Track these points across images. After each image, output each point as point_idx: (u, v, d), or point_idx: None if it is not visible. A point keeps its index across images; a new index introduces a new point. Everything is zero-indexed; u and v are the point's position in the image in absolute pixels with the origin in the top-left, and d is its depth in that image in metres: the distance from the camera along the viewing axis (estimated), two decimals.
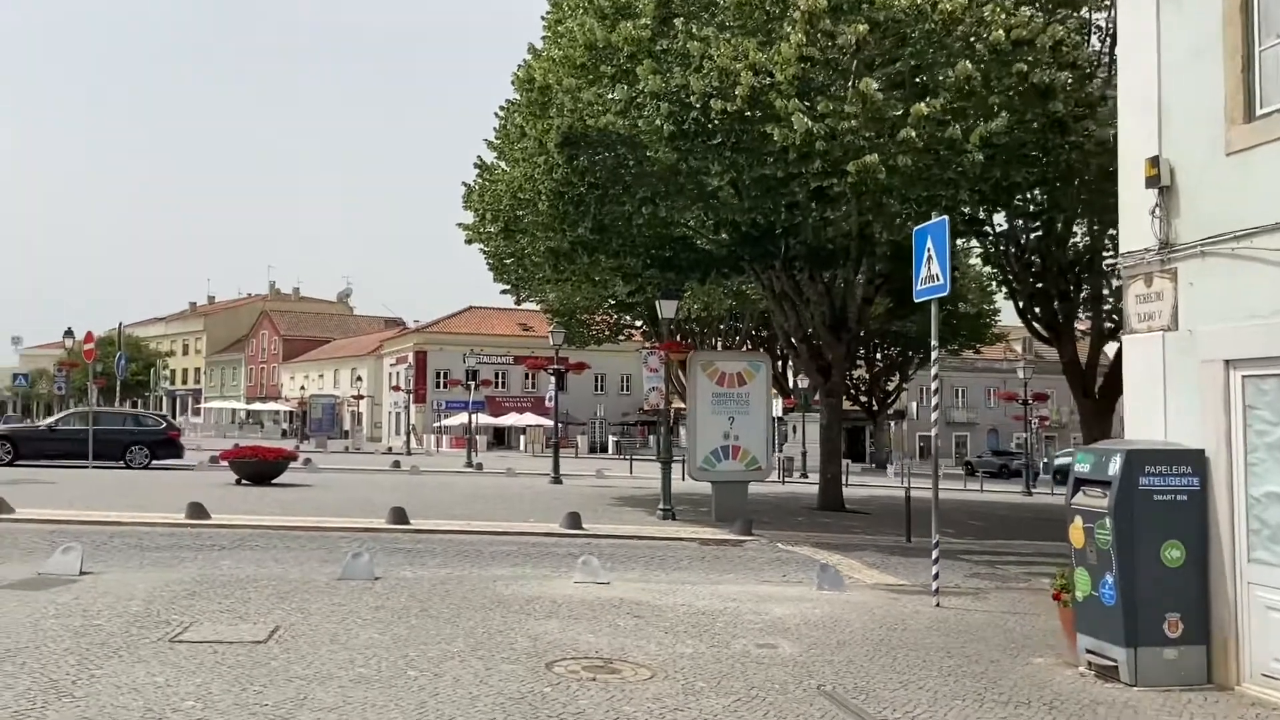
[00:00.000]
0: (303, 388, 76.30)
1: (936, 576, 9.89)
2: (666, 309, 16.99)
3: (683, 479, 19.03)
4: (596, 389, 69.72)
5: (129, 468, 25.21)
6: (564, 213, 16.31)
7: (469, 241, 20.05)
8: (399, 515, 14.94)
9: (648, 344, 57.81)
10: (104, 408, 43.33)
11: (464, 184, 20.02)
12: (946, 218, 9.84)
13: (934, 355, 9.94)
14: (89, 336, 26.97)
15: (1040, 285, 19.46)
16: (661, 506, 17.11)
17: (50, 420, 28.82)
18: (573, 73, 15.34)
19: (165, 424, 28.67)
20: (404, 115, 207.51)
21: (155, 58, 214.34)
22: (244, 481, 20.75)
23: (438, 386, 64.99)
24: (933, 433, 10.00)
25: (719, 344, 49.44)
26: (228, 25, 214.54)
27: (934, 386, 9.92)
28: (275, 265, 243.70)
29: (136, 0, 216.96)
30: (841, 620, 8.86)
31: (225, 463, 22.15)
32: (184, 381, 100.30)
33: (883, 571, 12.37)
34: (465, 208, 19.80)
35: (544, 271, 18.96)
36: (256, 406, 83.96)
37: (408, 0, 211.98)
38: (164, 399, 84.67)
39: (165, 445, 27.00)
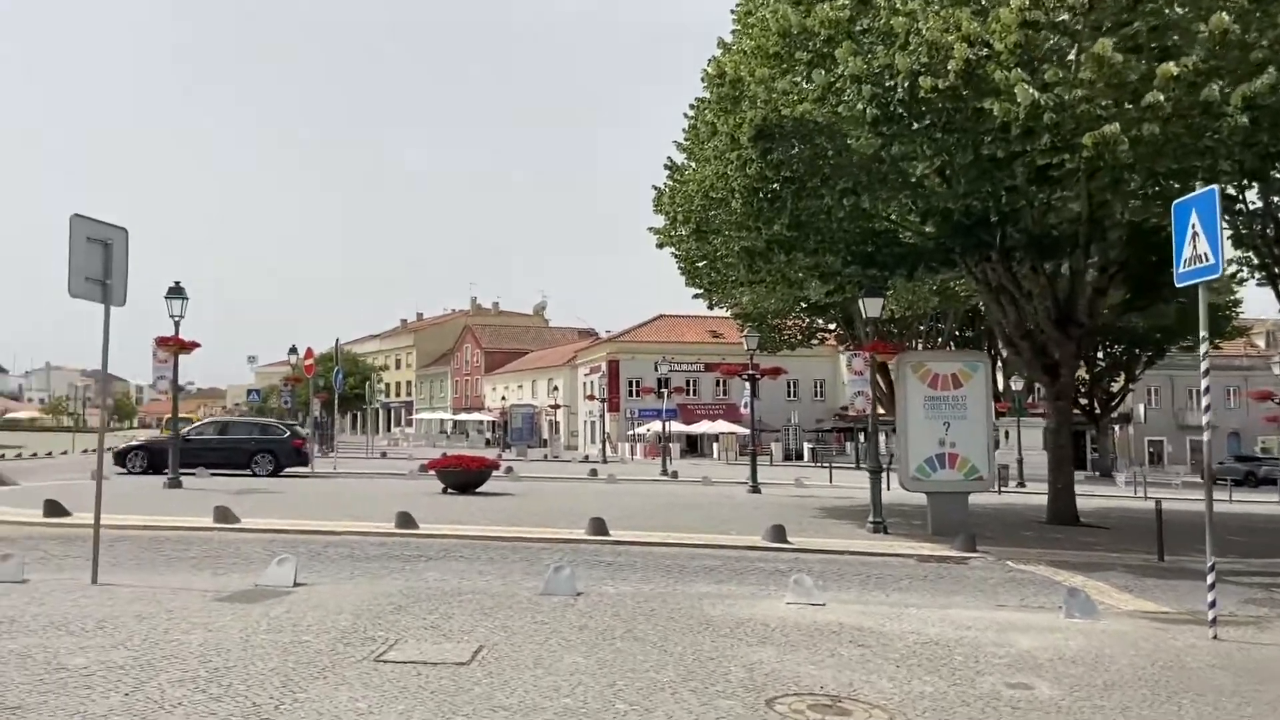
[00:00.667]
0: (503, 398, 78.95)
1: (1213, 604, 8.47)
2: (870, 308, 15.93)
3: (887, 488, 17.85)
4: (790, 395, 68.42)
5: (255, 475, 25.93)
6: (758, 210, 15.58)
7: (660, 245, 19.65)
8: (598, 526, 14.63)
9: (845, 346, 56.19)
10: (235, 417, 46.08)
11: (654, 187, 19.67)
12: (1215, 187, 8.44)
13: (1203, 349, 8.55)
14: (308, 353, 28.58)
15: None
16: (872, 519, 16.03)
17: (185, 430, 29.89)
18: (765, 63, 14.62)
19: (290, 432, 29.02)
20: (594, 131, 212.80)
21: (352, 96, 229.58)
22: (450, 490, 21.17)
23: (630, 395, 65.52)
24: (1205, 437, 8.60)
25: (919, 346, 47.24)
26: (412, 53, 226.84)
27: (1204, 385, 8.50)
28: (476, 282, 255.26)
29: (339, 40, 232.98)
30: (1104, 655, 7.66)
31: (432, 472, 22.73)
32: (397, 394, 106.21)
33: (1138, 596, 10.89)
34: (656, 211, 19.43)
35: (737, 273, 18.28)
36: (462, 417, 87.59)
37: (592, 5, 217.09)
38: (379, 411, 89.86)
39: (291, 453, 27.52)
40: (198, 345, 20.53)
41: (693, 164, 17.87)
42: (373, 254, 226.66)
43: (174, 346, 19.91)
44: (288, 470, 26.94)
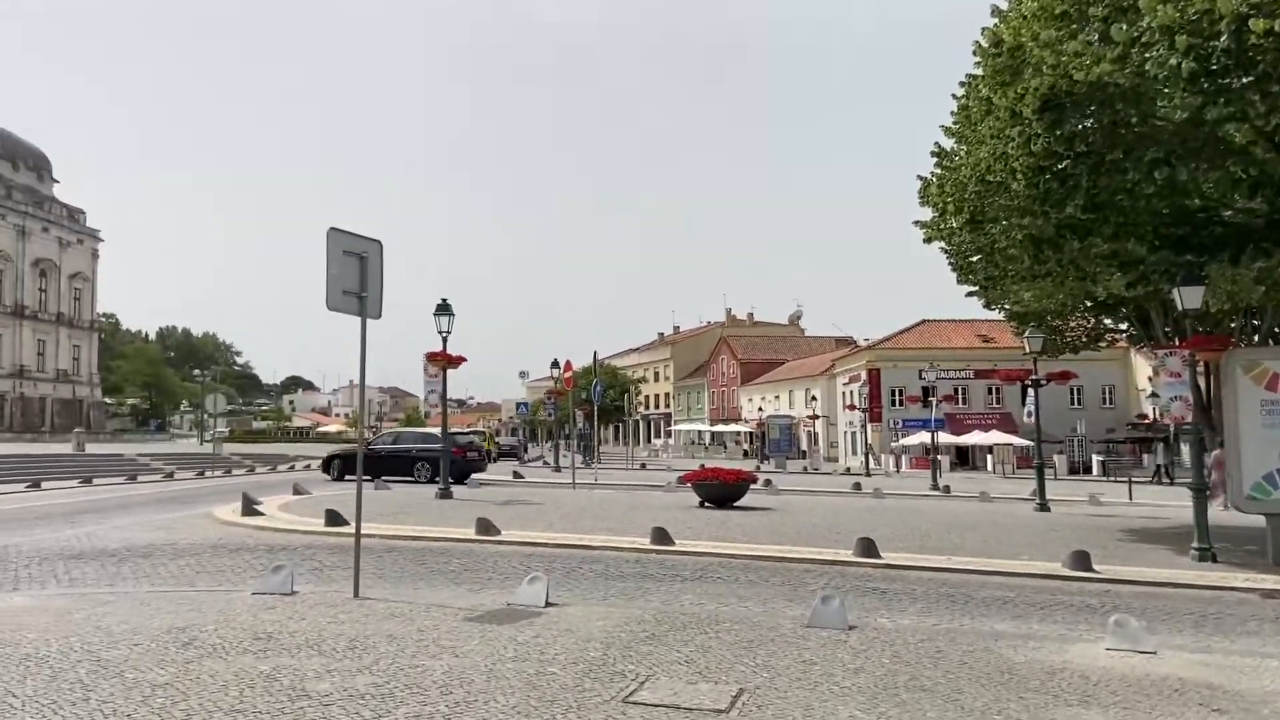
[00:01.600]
0: (760, 409, 78.12)
1: None
2: (1189, 298, 13.56)
3: (1224, 508, 15.23)
4: (1073, 402, 62.78)
5: (416, 483, 26.61)
6: (1045, 191, 13.70)
7: (928, 240, 17.99)
8: (867, 546, 13.36)
9: (1139, 347, 50.56)
10: (406, 429, 47.67)
11: (919, 178, 18.07)
12: None
13: None
14: (567, 365, 29.06)
15: None
16: (1196, 545, 13.65)
17: (370, 441, 30.93)
18: (1051, 24, 12.82)
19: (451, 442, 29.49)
20: (843, 133, 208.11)
21: (604, 120, 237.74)
22: (706, 504, 20.53)
23: (893, 404, 62.59)
24: None
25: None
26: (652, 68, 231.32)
27: None
28: (730, 293, 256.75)
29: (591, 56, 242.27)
30: None
31: (688, 484, 22.19)
32: (655, 406, 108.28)
33: None
34: (922, 203, 17.81)
35: (1019, 265, 16.30)
36: (719, 428, 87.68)
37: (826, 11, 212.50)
38: (638, 422, 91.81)
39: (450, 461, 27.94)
40: (464, 360, 21.20)
41: (964, 148, 16.15)
42: (631, 268, 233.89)
43: (442, 361, 20.65)
44: (525, 478, 27.45)
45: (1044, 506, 22.32)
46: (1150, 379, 63.94)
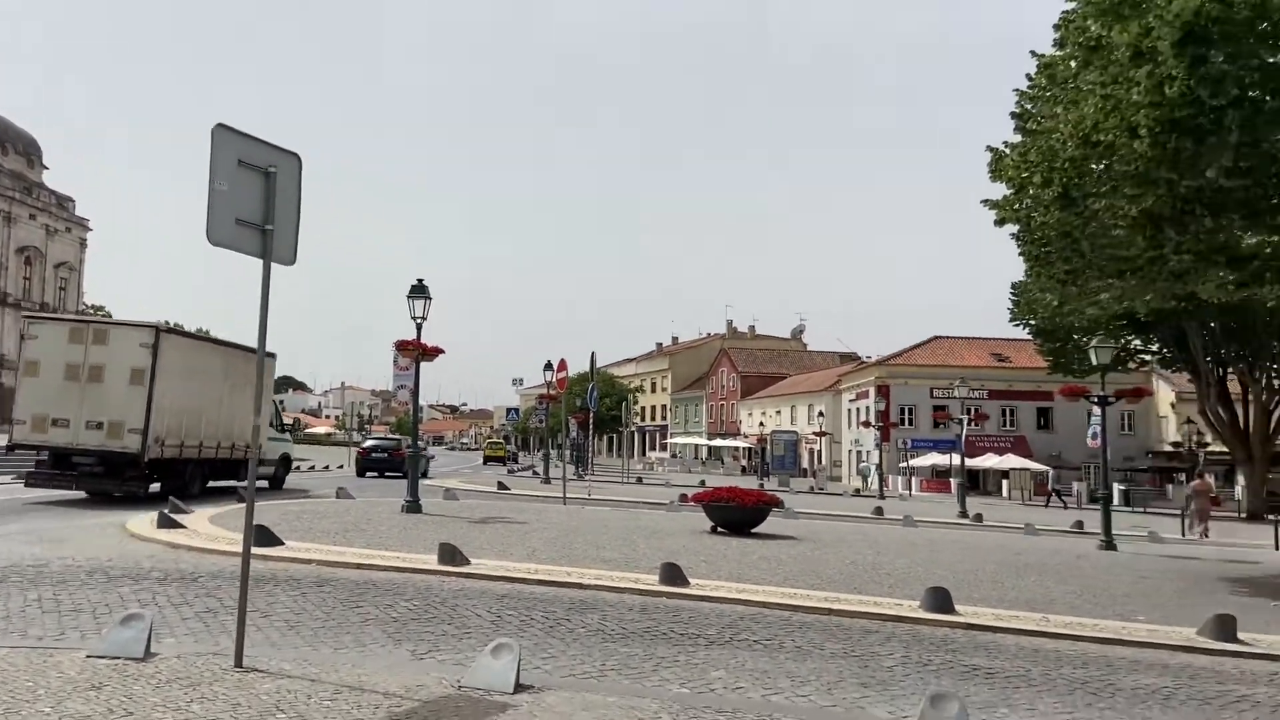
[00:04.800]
0: (761, 424, 75.08)
1: None
2: None
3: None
4: (1090, 427, 59.74)
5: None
6: (1176, 150, 10.77)
7: (1000, 222, 15.05)
8: (940, 599, 10.33)
9: (1174, 370, 47.52)
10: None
11: (989, 149, 15.13)
12: None
13: None
14: (562, 364, 26.00)
15: None
16: None
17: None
18: None
19: (397, 445, 33.61)
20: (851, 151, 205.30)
21: (613, 119, 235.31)
22: (719, 530, 17.47)
23: (905, 423, 59.63)
24: None
25: None
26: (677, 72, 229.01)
27: None
28: (732, 305, 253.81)
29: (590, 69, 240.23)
30: None
31: (697, 504, 19.14)
32: (652, 418, 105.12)
33: None
34: (994, 179, 14.87)
35: (1125, 251, 13.30)
36: (718, 442, 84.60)
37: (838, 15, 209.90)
38: (634, 434, 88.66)
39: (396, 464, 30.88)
40: (441, 351, 18.15)
41: (1057, 109, 13.16)
42: (630, 280, 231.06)
43: (414, 351, 17.58)
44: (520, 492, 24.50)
45: (1110, 544, 19.28)
46: (1172, 405, 61.27)
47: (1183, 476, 57.56)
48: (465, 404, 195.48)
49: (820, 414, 66.46)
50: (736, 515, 17.40)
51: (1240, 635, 9.59)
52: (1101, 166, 11.95)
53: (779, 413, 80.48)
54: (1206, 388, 41.23)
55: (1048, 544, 20.72)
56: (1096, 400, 19.68)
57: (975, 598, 11.42)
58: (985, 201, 15.41)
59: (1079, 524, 26.56)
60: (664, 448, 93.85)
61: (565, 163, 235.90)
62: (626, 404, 60.47)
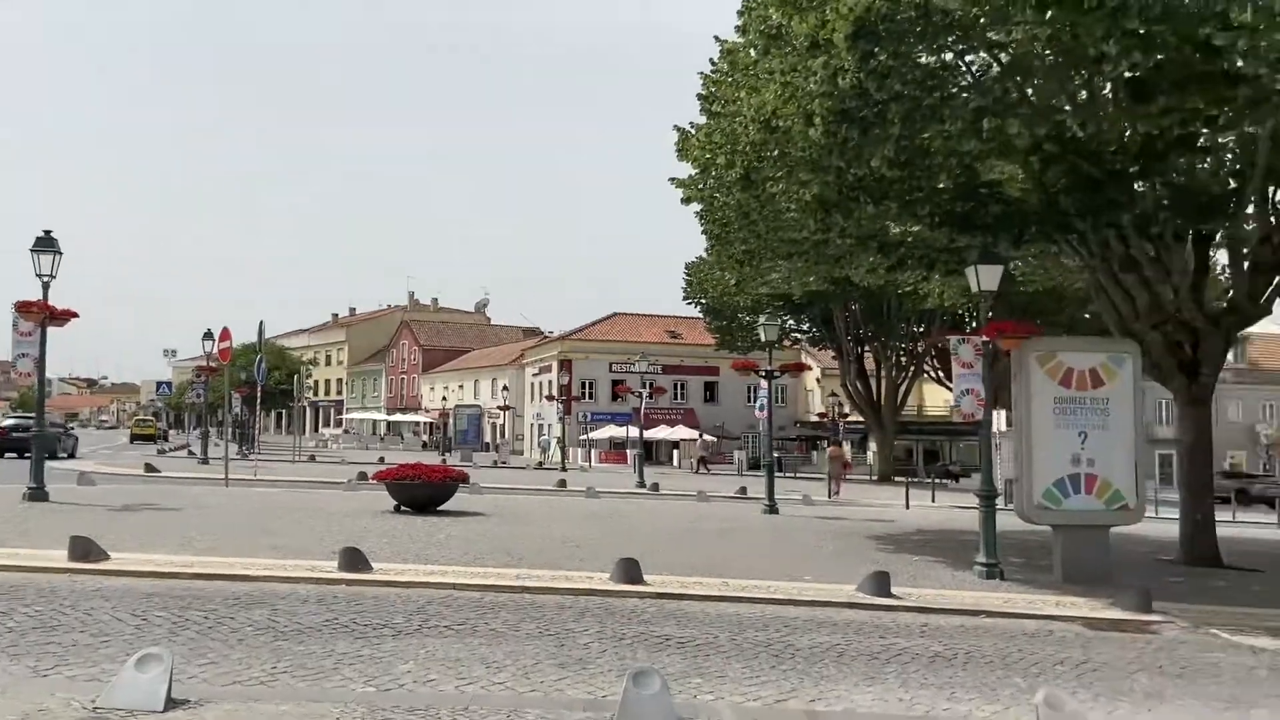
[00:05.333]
0: (443, 398, 73.87)
1: None
2: (986, 278, 11.92)
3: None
4: (749, 400, 64.69)
5: None
6: (843, 140, 11.50)
7: (686, 201, 15.51)
8: (630, 570, 10.39)
9: (819, 348, 52.42)
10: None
11: (676, 128, 15.51)
12: None
13: None
14: (225, 334, 23.67)
15: None
16: (984, 560, 12.03)
17: None
18: None
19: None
20: (534, 115, 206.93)
21: (285, 73, 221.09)
22: (404, 509, 16.68)
23: (584, 397, 61.15)
24: None
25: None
26: (332, 30, 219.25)
27: None
28: (414, 276, 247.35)
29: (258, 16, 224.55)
30: None
31: (379, 483, 18.16)
32: (326, 392, 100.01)
33: None
34: (681, 158, 15.28)
35: (796, 234, 14.14)
36: (397, 418, 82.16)
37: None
38: (306, 409, 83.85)
39: None
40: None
41: (741, 93, 13.67)
42: (304, 244, 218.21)
43: (39, 314, 15.06)
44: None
45: (773, 508, 20.72)
46: (818, 380, 67.86)
47: (825, 444, 64.12)
48: (105, 377, 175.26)
49: (504, 388, 66.40)
50: (422, 493, 16.69)
51: (893, 590, 10.47)
52: (779, 151, 12.58)
53: (462, 387, 79.61)
54: (848, 364, 45.90)
55: (719, 510, 21.92)
56: (764, 374, 21.06)
57: (661, 566, 11.63)
58: (672, 180, 15.82)
59: (743, 490, 28.47)
60: (339, 424, 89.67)
61: (230, 107, 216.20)
62: (298, 377, 56.95)
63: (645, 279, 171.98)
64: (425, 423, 77.27)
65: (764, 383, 21.67)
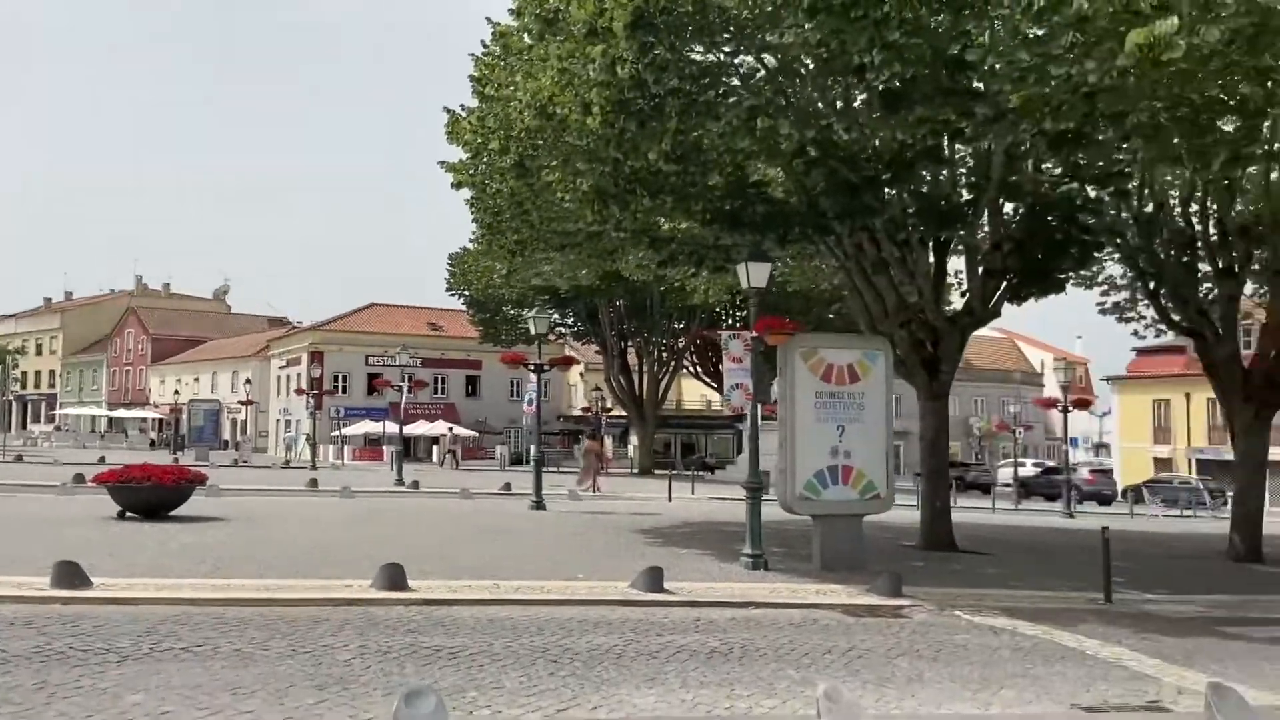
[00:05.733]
0: (176, 392, 68.18)
1: None
2: (755, 275, 12.19)
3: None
4: (513, 394, 64.24)
5: None
6: (621, 132, 11.38)
7: (457, 185, 14.84)
8: (393, 576, 9.76)
9: (584, 343, 52.74)
10: None
11: (446, 110, 14.82)
12: None
13: None
14: None
15: (1187, 259, 15.63)
16: (750, 551, 12.31)
17: None
18: None
19: None
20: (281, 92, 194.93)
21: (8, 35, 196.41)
22: (130, 515, 14.97)
23: (338, 391, 58.43)
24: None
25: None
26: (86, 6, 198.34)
27: None
28: (143, 259, 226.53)
29: None
30: None
31: (100, 485, 16.18)
32: (36, 385, 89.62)
33: (1191, 667, 7.92)
34: (451, 141, 14.59)
35: (575, 224, 13.85)
36: (121, 413, 74.94)
37: None
38: (12, 404, 74.68)
39: None
40: None
41: (516, 77, 13.21)
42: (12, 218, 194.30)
43: None
44: None
45: (540, 504, 20.42)
46: (581, 374, 68.45)
47: (583, 438, 64.78)
48: None
49: (247, 381, 62.07)
50: (151, 496, 15.02)
51: (666, 585, 10.43)
52: (555, 139, 12.28)
53: (198, 380, 73.81)
54: (611, 359, 46.52)
55: (484, 507, 21.37)
56: (533, 368, 20.72)
57: (427, 570, 11.04)
58: (442, 164, 15.13)
59: (507, 485, 27.99)
60: (51, 419, 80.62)
61: None
62: (3, 368, 50.56)
63: (406, 269, 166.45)
64: (154, 419, 70.96)
65: (532, 376, 21.33)
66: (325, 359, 59.11)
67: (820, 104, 12.17)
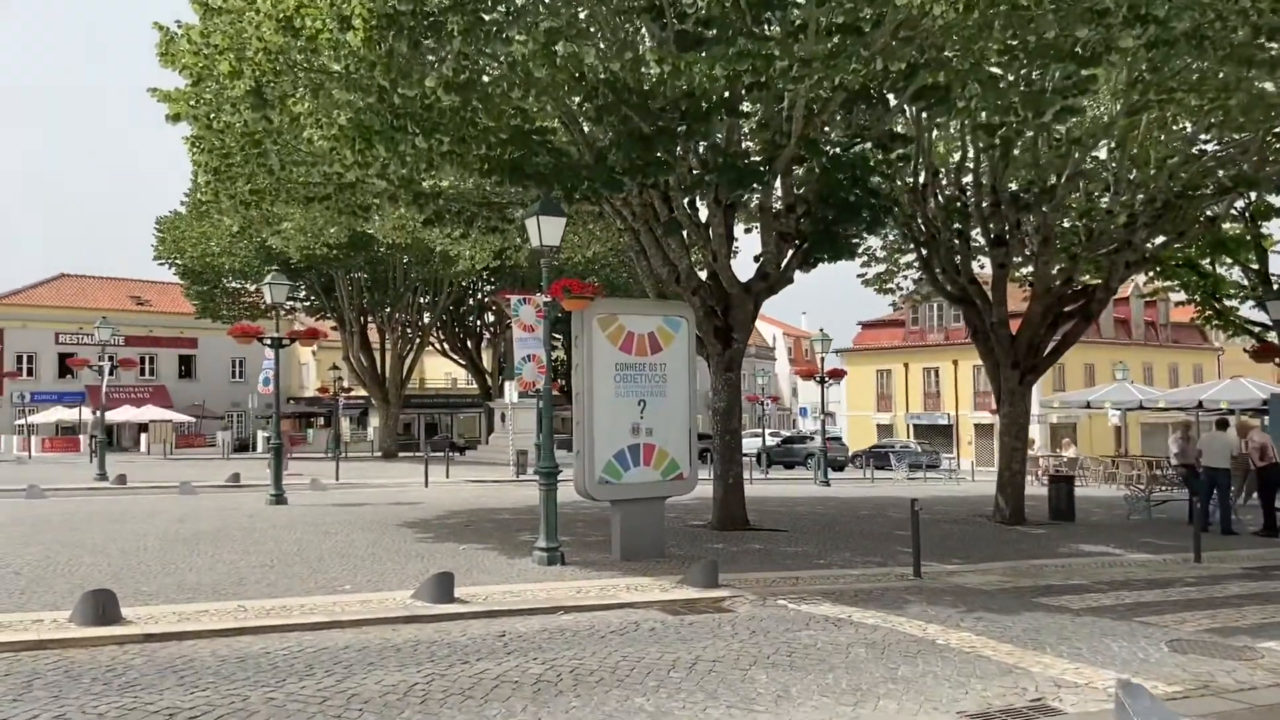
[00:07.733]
0: None
1: None
2: (548, 231, 10.65)
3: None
4: (235, 375, 58.79)
5: None
6: (391, 52, 9.44)
7: (175, 118, 12.08)
8: (101, 604, 7.49)
9: (317, 318, 48.49)
10: None
11: (158, 26, 12.02)
12: None
13: None
14: None
15: (960, 226, 15.76)
16: (544, 544, 10.84)
17: None
18: None
19: None
20: None
21: None
22: None
23: (22, 373, 50.84)
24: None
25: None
26: None
27: None
28: None
29: None
30: None
31: None
32: None
33: (1044, 651, 7.38)
34: (165, 64, 11.83)
35: (330, 166, 11.49)
36: None
37: None
38: None
39: None
40: None
41: None
42: None
43: None
44: None
45: (281, 498, 17.80)
46: (314, 353, 63.65)
47: (321, 420, 60.44)
48: None
49: None
50: None
51: (456, 592, 8.81)
52: (305, 62, 10.09)
53: None
54: (350, 335, 43.14)
55: (212, 504, 18.39)
56: (270, 342, 18.00)
57: (147, 592, 8.76)
58: (153, 91, 12.34)
59: (236, 476, 24.78)
60: None
61: None
62: None
63: (102, 235, 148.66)
64: None
65: (269, 353, 18.56)
66: (4, 336, 51.38)
67: (626, 36, 10.81)
